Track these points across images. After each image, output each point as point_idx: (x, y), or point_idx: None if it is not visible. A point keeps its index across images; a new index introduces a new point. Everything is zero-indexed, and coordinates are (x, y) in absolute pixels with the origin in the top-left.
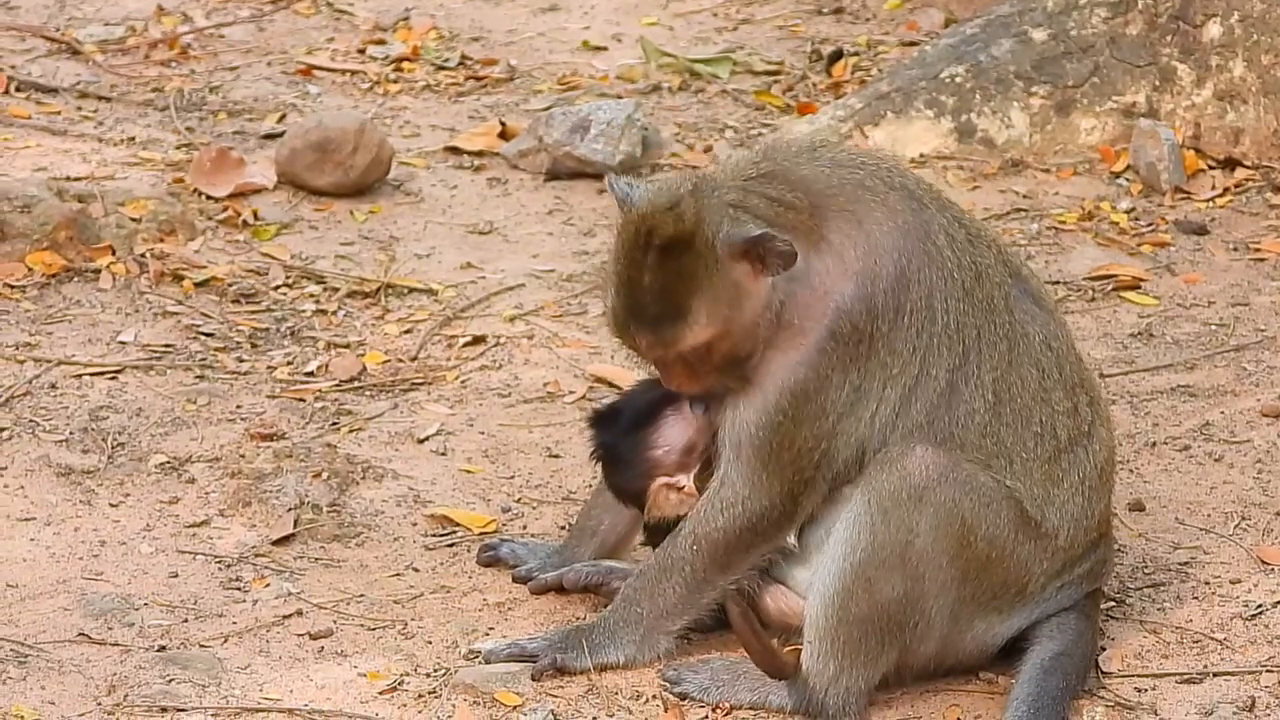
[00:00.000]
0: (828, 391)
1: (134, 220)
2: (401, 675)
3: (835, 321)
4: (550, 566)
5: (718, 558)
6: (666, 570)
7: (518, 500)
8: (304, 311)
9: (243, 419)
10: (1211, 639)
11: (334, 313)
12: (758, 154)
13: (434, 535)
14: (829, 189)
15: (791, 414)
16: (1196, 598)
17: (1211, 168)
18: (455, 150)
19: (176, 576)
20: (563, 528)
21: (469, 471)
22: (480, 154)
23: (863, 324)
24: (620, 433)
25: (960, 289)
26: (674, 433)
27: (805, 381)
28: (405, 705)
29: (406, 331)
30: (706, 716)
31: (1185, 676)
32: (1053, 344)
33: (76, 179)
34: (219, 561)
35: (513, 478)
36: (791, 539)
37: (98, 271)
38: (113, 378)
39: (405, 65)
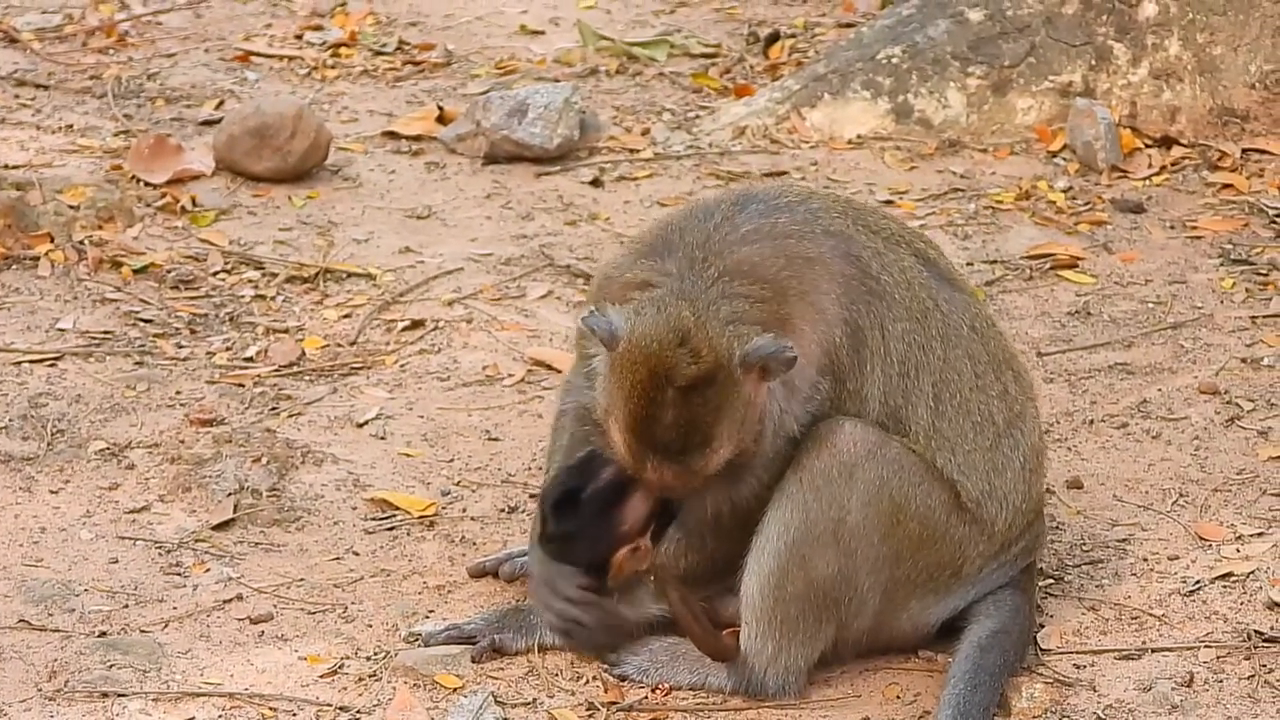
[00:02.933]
0: None
1: (72, 207)
2: (342, 659)
3: (814, 405)
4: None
5: (673, 584)
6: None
7: (457, 483)
8: (243, 297)
9: (182, 405)
10: (1150, 615)
11: (273, 298)
12: (695, 246)
13: (374, 519)
14: (780, 271)
15: (768, 481)
16: (1135, 574)
17: (1148, 146)
18: (393, 135)
19: (117, 562)
20: (502, 510)
21: (408, 455)
22: (418, 138)
23: (834, 393)
24: (585, 519)
25: (902, 309)
26: (637, 509)
27: (784, 452)
28: (346, 688)
29: (345, 316)
30: (646, 697)
31: (1124, 653)
32: (977, 326)
33: (14, 167)
34: (159, 547)
35: (452, 461)
36: None
37: (36, 259)
38: (52, 365)
39: (343, 51)
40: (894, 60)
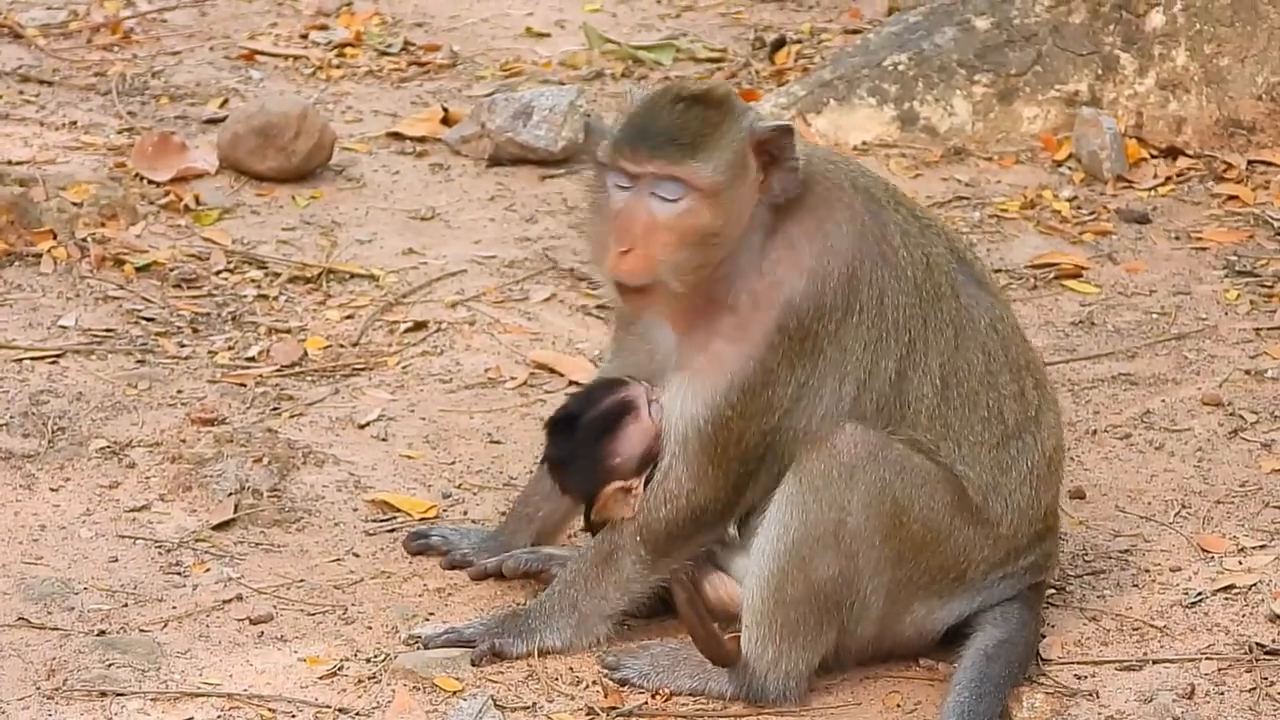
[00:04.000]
0: (774, 387)
1: (75, 204)
2: (341, 660)
3: (783, 315)
4: (485, 552)
5: (658, 547)
6: (606, 558)
7: (458, 486)
8: (245, 296)
9: (183, 404)
10: (1151, 626)
11: (275, 298)
12: None
13: (374, 521)
14: (814, 186)
15: (740, 409)
16: (1137, 585)
17: (1153, 157)
18: (397, 136)
19: (116, 561)
20: (503, 513)
21: (410, 457)
22: (423, 140)
23: (809, 321)
24: (580, 443)
25: (911, 284)
26: (633, 442)
27: (752, 375)
28: (345, 690)
29: (348, 317)
30: (646, 702)
31: (1125, 664)
32: (998, 327)
33: (18, 163)
34: (159, 546)
35: (453, 463)
36: (732, 529)
37: (39, 256)
38: (53, 362)
39: (348, 50)
40: (900, 67)
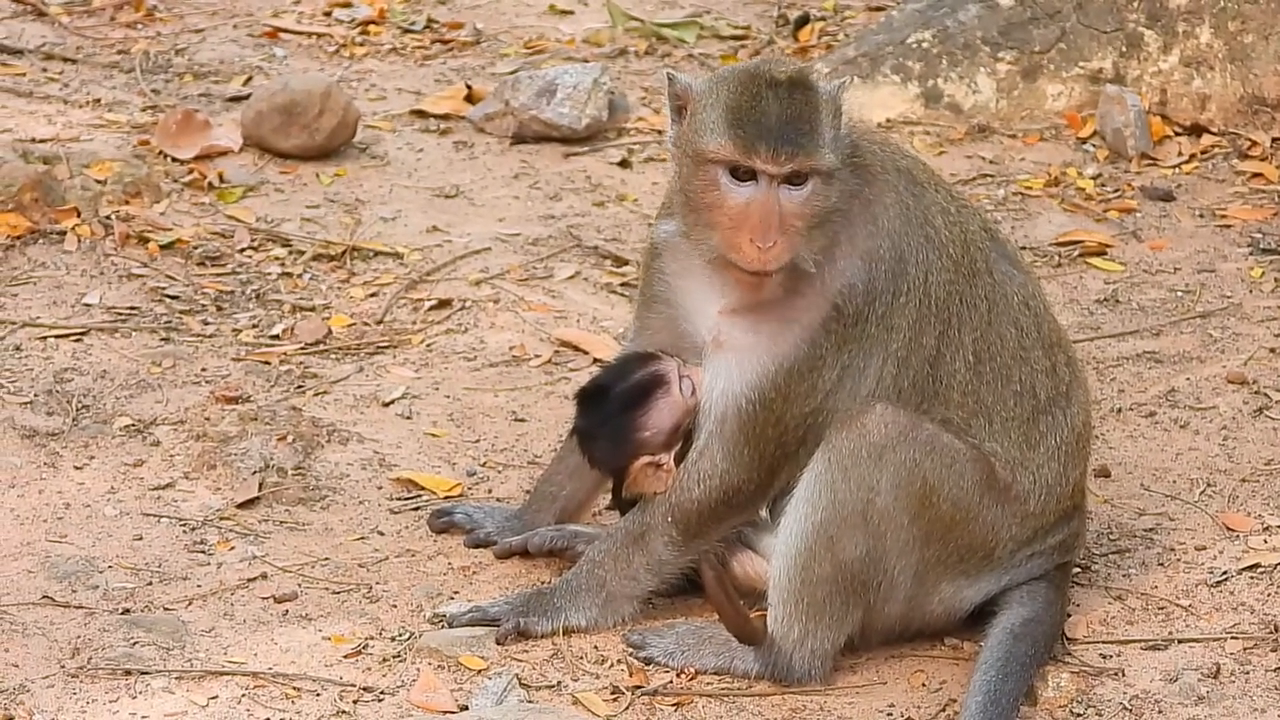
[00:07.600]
0: (821, 371)
1: (99, 182)
2: (366, 639)
3: (840, 299)
4: (508, 531)
5: (689, 527)
6: (636, 537)
7: (483, 464)
8: (269, 274)
9: (208, 382)
10: (1177, 605)
11: (299, 276)
12: None
13: (399, 499)
14: (859, 158)
15: (784, 391)
16: (1162, 564)
17: (1178, 134)
18: (421, 113)
19: (141, 539)
20: (527, 492)
21: (434, 435)
22: (446, 117)
23: (862, 305)
24: (609, 414)
25: (952, 263)
26: (663, 415)
27: (801, 359)
28: (370, 669)
29: (372, 295)
30: (671, 681)
31: (1150, 643)
32: (1030, 303)
33: (42, 141)
34: (183, 524)
35: (478, 441)
36: (763, 511)
37: (63, 233)
38: (78, 340)
39: (372, 28)
40: (924, 44)
